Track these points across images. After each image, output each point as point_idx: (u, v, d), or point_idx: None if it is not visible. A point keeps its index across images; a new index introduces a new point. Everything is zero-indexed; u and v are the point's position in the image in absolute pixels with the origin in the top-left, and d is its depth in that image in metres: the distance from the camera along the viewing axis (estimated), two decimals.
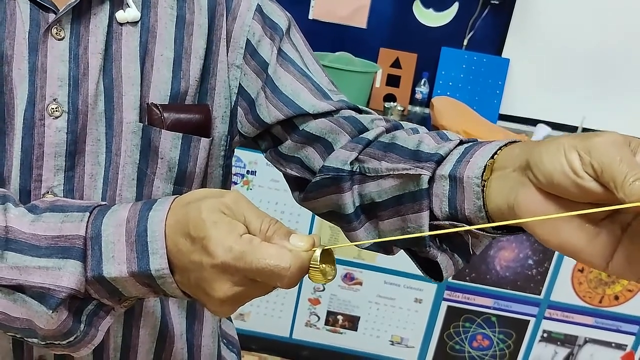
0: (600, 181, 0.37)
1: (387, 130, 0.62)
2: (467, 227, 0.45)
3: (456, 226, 0.50)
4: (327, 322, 2.18)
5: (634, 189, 0.34)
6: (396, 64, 2.33)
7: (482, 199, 0.47)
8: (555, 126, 2.24)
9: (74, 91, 0.54)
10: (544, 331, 2.13)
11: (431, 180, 0.52)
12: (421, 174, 0.52)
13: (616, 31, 2.25)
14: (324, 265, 0.44)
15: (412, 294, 2.12)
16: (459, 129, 2.02)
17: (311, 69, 0.66)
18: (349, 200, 0.59)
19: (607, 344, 2.12)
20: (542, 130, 2.18)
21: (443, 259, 0.54)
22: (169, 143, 0.58)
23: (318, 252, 0.44)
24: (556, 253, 2.02)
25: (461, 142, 0.54)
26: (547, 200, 0.41)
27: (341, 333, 2.19)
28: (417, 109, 2.35)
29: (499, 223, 0.45)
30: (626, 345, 2.12)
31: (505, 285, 2.09)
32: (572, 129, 2.24)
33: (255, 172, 1.98)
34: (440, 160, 0.52)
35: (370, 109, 0.68)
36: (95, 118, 0.55)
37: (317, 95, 0.64)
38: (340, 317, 2.17)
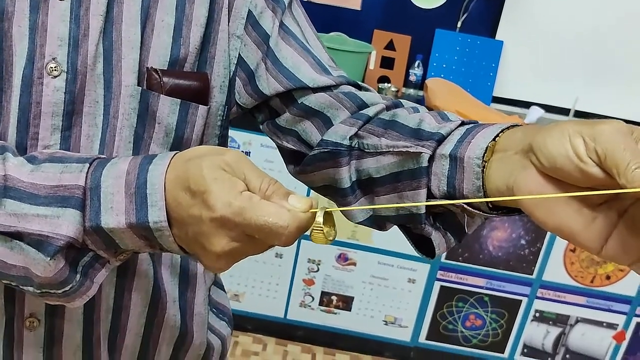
0: (603, 167, 0.38)
1: (388, 108, 0.62)
2: (467, 200, 0.46)
3: (454, 205, 0.51)
4: (321, 303, 2.20)
5: (636, 176, 0.36)
6: (390, 46, 2.33)
7: (481, 179, 0.48)
8: (548, 108, 2.25)
9: (73, 51, 0.54)
10: (536, 311, 2.16)
11: (431, 159, 0.52)
12: (422, 152, 0.52)
13: (609, 14, 2.26)
14: (326, 227, 0.45)
15: (406, 274, 2.13)
16: (452, 111, 2.02)
17: (312, 44, 0.66)
18: (346, 175, 0.59)
19: (599, 323, 2.15)
20: (535, 113, 2.19)
21: (436, 236, 0.55)
22: (167, 108, 0.58)
23: (321, 214, 0.45)
24: (548, 233, 2.04)
25: (462, 123, 0.55)
26: (547, 183, 0.42)
27: (335, 313, 2.21)
28: (411, 91, 2.35)
29: (500, 198, 0.46)
30: (617, 325, 2.15)
31: (498, 265, 2.11)
32: (564, 112, 2.25)
33: (250, 152, 1.99)
34: (441, 139, 0.53)
35: None
36: (93, 79, 0.55)
37: (317, 70, 0.64)
38: (334, 298, 2.19)
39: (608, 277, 2.09)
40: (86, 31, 0.55)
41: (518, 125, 0.49)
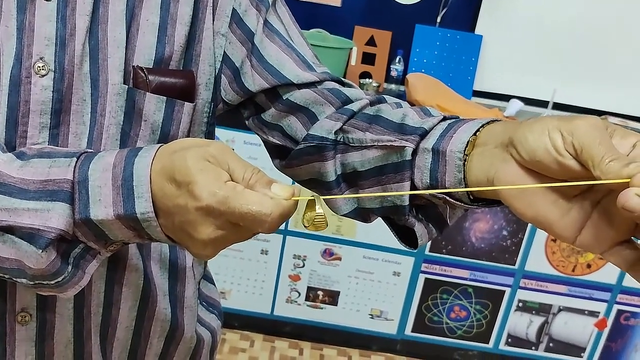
0: (579, 160, 0.41)
1: (371, 103, 0.64)
2: (448, 190, 0.48)
3: (436, 196, 0.53)
4: (307, 298, 2.21)
5: (610, 168, 0.39)
6: (371, 42, 2.35)
7: (462, 172, 0.50)
8: (527, 101, 2.28)
9: (60, 51, 0.55)
10: (519, 301, 2.19)
11: (414, 152, 0.54)
12: (405, 146, 0.54)
13: (587, 7, 2.30)
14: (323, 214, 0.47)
15: (391, 268, 2.16)
16: (433, 104, 2.05)
17: (296, 41, 0.68)
18: (331, 169, 0.61)
19: (581, 311, 2.19)
20: (514, 105, 2.22)
21: (419, 228, 0.57)
22: (153, 106, 0.59)
23: (318, 203, 0.47)
24: (530, 224, 2.07)
25: (444, 118, 0.57)
26: (526, 176, 0.45)
27: (322, 308, 2.23)
28: (393, 86, 2.37)
29: (481, 188, 0.48)
30: (599, 313, 2.19)
31: (481, 256, 2.14)
32: (543, 104, 2.28)
33: (233, 149, 1.99)
34: (424, 134, 0.55)
35: None
36: (80, 78, 0.56)
37: (301, 66, 0.65)
38: (320, 293, 2.21)
39: (589, 266, 2.13)
40: (73, 31, 0.55)
41: (498, 120, 0.51)
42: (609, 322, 2.20)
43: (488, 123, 0.51)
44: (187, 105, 0.61)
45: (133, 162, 0.47)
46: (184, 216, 0.45)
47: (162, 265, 0.67)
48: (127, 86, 0.58)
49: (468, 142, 0.50)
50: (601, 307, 2.18)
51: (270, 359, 2.18)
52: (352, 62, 2.28)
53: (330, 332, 2.27)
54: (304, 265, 2.16)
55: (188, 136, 0.64)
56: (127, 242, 0.51)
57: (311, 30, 2.23)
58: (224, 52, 0.65)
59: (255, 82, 0.65)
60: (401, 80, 2.35)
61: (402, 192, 0.54)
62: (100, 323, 0.64)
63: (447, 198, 0.52)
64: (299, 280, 2.19)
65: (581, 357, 2.26)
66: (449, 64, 2.35)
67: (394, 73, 2.36)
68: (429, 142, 0.54)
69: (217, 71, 0.65)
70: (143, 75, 0.58)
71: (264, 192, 0.45)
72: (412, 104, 2.23)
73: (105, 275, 0.62)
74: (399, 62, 2.35)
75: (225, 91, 0.66)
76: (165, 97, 0.60)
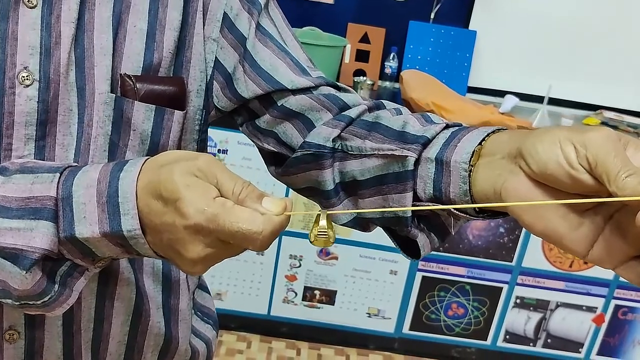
0: (593, 174, 0.39)
1: (370, 109, 0.62)
2: (455, 206, 0.46)
3: (441, 209, 0.52)
4: (304, 298, 2.20)
5: (627, 184, 0.37)
6: (365, 39, 2.33)
7: (468, 183, 0.49)
8: (523, 97, 2.27)
9: (45, 60, 0.53)
10: (517, 297, 2.18)
11: (416, 162, 0.53)
12: (407, 156, 0.53)
13: (581, 2, 2.28)
14: (329, 230, 0.46)
15: (387, 266, 2.15)
16: (428, 101, 2.04)
17: (289, 45, 0.66)
18: (329, 177, 0.59)
19: (578, 307, 2.19)
20: (510, 101, 2.21)
21: (422, 238, 0.56)
22: (142, 115, 0.58)
23: (323, 219, 0.45)
24: None
25: (447, 126, 0.55)
26: (536, 188, 0.43)
27: (319, 308, 2.22)
28: (387, 83, 2.36)
29: (492, 205, 0.46)
30: (596, 308, 2.19)
31: (478, 253, 2.13)
32: (539, 99, 2.27)
33: (227, 150, 1.97)
34: (426, 142, 0.53)
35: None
36: (67, 88, 0.54)
37: (295, 71, 0.64)
38: (317, 292, 2.19)
39: (586, 262, 2.12)
40: (57, 39, 0.54)
41: (503, 129, 0.50)
42: (607, 318, 2.20)
43: (493, 132, 0.50)
44: (178, 114, 0.60)
45: (118, 178, 0.46)
46: (171, 234, 0.44)
47: (155, 278, 0.66)
48: (114, 95, 0.56)
49: (473, 152, 0.49)
50: (599, 303, 2.18)
51: None
52: (346, 59, 2.26)
53: (327, 331, 2.26)
54: (300, 265, 2.15)
55: (179, 145, 0.62)
56: (115, 258, 0.50)
57: (304, 29, 2.21)
58: (216, 57, 0.63)
59: (248, 88, 0.63)
60: (395, 77, 2.34)
61: (406, 208, 0.52)
62: (91, 339, 0.62)
63: (452, 210, 0.50)
64: (296, 280, 2.17)
65: (579, 352, 2.25)
66: (444, 60, 2.33)
67: (388, 70, 2.34)
68: (431, 152, 0.52)
69: (208, 77, 0.63)
70: (131, 83, 0.57)
71: (254, 207, 0.44)
72: (406, 102, 2.20)
73: (96, 290, 0.61)
74: (393, 59, 2.33)
75: (217, 98, 0.64)
76: (154, 106, 0.58)
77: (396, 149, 0.54)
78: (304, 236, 2.09)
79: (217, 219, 0.42)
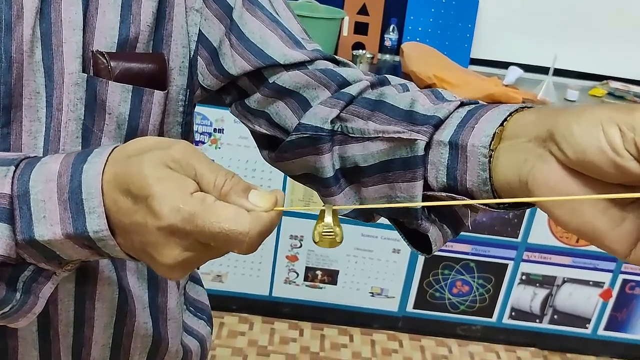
0: None
1: (372, 86, 0.56)
2: (478, 201, 0.40)
3: (456, 199, 0.45)
4: (306, 278, 2.16)
5: None
6: (363, 10, 2.25)
7: (488, 170, 0.43)
8: (527, 68, 2.20)
9: (6, 36, 0.47)
10: (523, 274, 2.14)
11: (427, 146, 0.47)
12: (417, 139, 0.47)
13: None
14: (336, 228, 0.39)
15: (390, 245, 2.10)
16: (429, 74, 1.97)
17: (281, 14, 0.59)
18: (328, 163, 0.53)
19: (585, 282, 2.15)
20: (514, 73, 2.14)
21: (433, 232, 0.50)
22: (118, 96, 0.52)
23: (328, 214, 0.39)
24: None
25: (462, 104, 0.49)
26: (570, 177, 0.37)
27: (321, 288, 2.18)
28: (387, 56, 2.28)
29: (519, 199, 0.40)
30: (603, 283, 2.14)
31: (483, 230, 2.08)
32: (544, 70, 2.20)
33: (223, 129, 1.91)
34: (438, 123, 0.47)
35: None
36: (32, 68, 0.48)
37: (288, 44, 0.57)
38: (319, 273, 2.15)
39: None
40: (20, 12, 0.48)
41: (528, 107, 0.44)
42: (614, 292, 2.16)
43: (516, 110, 0.43)
44: (158, 94, 0.54)
45: (81, 170, 0.39)
46: (143, 236, 0.38)
47: (140, 275, 0.60)
48: (86, 75, 0.50)
49: (494, 134, 0.43)
50: (606, 278, 2.14)
51: (270, 341, 2.13)
52: (344, 32, 2.19)
53: (330, 311, 2.22)
54: (301, 246, 2.10)
55: (161, 129, 0.56)
56: (86, 260, 0.44)
57: (300, 0, 2.13)
58: (199, 30, 0.57)
59: (236, 64, 0.56)
60: (396, 50, 2.27)
61: (422, 203, 0.45)
62: (71, 344, 0.57)
63: (469, 201, 0.45)
64: (297, 260, 2.13)
65: (586, 328, 2.22)
66: (445, 32, 2.26)
67: (388, 43, 2.27)
68: (444, 134, 0.46)
69: (192, 53, 0.57)
70: (104, 61, 0.51)
71: (240, 203, 0.37)
72: (407, 75, 2.12)
73: (74, 291, 0.55)
74: (393, 31, 2.26)
75: (202, 75, 0.58)
76: (131, 86, 0.52)
77: (404, 132, 0.48)
78: (304, 216, 2.04)
79: (195, 219, 0.36)
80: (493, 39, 2.30)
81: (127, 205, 0.38)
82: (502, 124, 0.43)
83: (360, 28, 2.25)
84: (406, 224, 0.52)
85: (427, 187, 0.48)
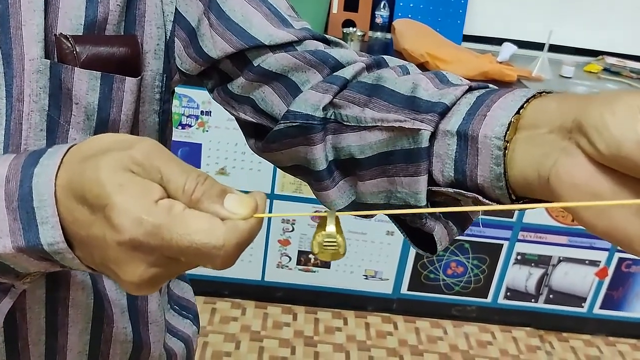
0: None
1: (368, 68, 0.51)
2: (501, 207, 0.35)
3: (465, 195, 0.41)
4: (299, 262, 2.13)
5: None
6: None
7: (503, 165, 0.38)
8: (521, 44, 2.15)
9: None
10: (518, 253, 2.11)
11: (432, 136, 0.42)
12: (421, 129, 0.42)
13: None
14: (339, 237, 0.34)
15: (384, 227, 2.06)
16: (422, 52, 1.92)
17: None
18: (321, 155, 0.49)
19: (581, 261, 2.12)
20: (508, 49, 2.09)
21: (438, 230, 0.46)
22: (85, 84, 0.47)
23: (331, 222, 0.34)
24: None
25: (470, 89, 0.44)
26: (600, 174, 0.33)
27: (314, 272, 2.14)
28: (378, 34, 2.23)
29: (545, 205, 0.35)
30: (599, 262, 2.12)
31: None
32: (539, 46, 2.15)
33: (210, 112, 1.86)
34: (444, 111, 0.42)
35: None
36: None
37: (273, 22, 0.52)
38: (312, 256, 2.12)
39: None
40: None
41: (547, 92, 0.39)
42: (610, 271, 2.14)
43: (534, 96, 0.39)
44: (129, 81, 0.48)
45: (32, 174, 0.35)
46: (103, 251, 0.33)
47: None
48: (49, 61, 0.45)
49: (510, 123, 0.38)
50: (602, 256, 2.11)
51: (263, 326, 2.10)
52: (334, 9, 2.13)
53: (324, 295, 2.19)
54: (293, 230, 2.07)
55: (135, 119, 0.51)
56: (46, 272, 0.39)
57: None
58: (176, 9, 0.52)
59: (216, 46, 0.51)
60: (387, 27, 2.21)
61: (431, 210, 0.39)
62: (44, 353, 0.53)
63: (479, 197, 0.40)
64: (289, 244, 2.09)
65: (582, 307, 2.20)
66: (437, 8, 2.20)
67: (379, 20, 2.21)
68: (452, 123, 0.41)
69: (168, 34, 0.52)
70: (69, 45, 0.46)
71: (214, 210, 0.33)
72: (399, 53, 2.05)
73: (45, 297, 0.51)
74: (384, 7, 2.20)
75: (180, 59, 0.53)
76: (99, 73, 0.47)
77: (405, 120, 0.43)
78: (296, 199, 2.00)
79: (160, 232, 0.31)
80: (486, 15, 2.25)
81: (83, 216, 0.33)
82: (518, 112, 0.38)
83: (351, 5, 2.19)
84: (408, 222, 0.47)
85: (431, 181, 0.43)
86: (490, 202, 0.40)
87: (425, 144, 0.42)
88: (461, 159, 0.41)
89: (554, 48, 2.17)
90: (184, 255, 0.32)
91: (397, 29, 2.03)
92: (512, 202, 0.40)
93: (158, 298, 0.60)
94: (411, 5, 2.20)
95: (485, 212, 2.04)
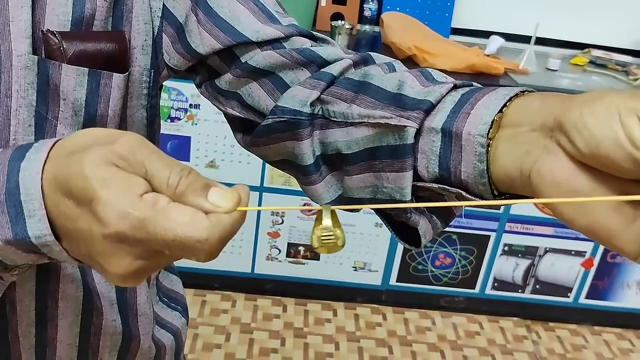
0: None
1: (355, 65, 0.52)
2: (478, 202, 0.37)
3: (449, 191, 0.42)
4: (288, 254, 2.14)
5: None
6: None
7: (485, 162, 0.39)
8: (508, 37, 2.16)
9: None
10: (505, 245, 2.14)
11: (417, 133, 0.43)
12: (406, 126, 0.43)
13: None
14: (337, 230, 0.35)
15: (372, 219, 2.08)
16: (410, 45, 1.93)
17: None
18: (308, 150, 0.50)
19: (567, 252, 2.15)
20: (495, 42, 2.10)
21: (423, 224, 0.47)
22: (73, 80, 0.47)
23: (327, 216, 0.35)
24: None
25: (455, 87, 0.45)
26: (580, 172, 0.34)
27: (304, 264, 2.16)
28: (367, 27, 2.23)
29: (526, 200, 0.36)
30: (585, 252, 2.15)
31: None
32: (525, 39, 2.17)
33: (199, 105, 1.86)
34: (429, 108, 0.43)
35: (317, 31, 0.57)
36: None
37: (261, 18, 0.53)
38: (301, 248, 2.13)
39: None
40: None
41: (529, 91, 0.40)
42: (595, 261, 2.17)
43: (516, 95, 0.40)
44: (117, 77, 0.49)
45: (18, 169, 0.35)
46: (89, 244, 0.34)
47: None
48: (36, 57, 0.46)
49: (493, 121, 0.39)
50: (587, 247, 2.14)
51: (253, 318, 2.12)
52: (322, 2, 2.13)
53: (313, 287, 2.21)
54: (282, 222, 2.08)
55: (123, 115, 0.52)
56: (34, 264, 0.40)
57: None
58: (163, 5, 0.52)
59: (204, 42, 0.52)
60: (375, 20, 2.22)
61: (416, 204, 0.41)
62: (34, 345, 0.54)
63: (463, 193, 0.41)
64: (279, 237, 2.10)
65: (567, 297, 2.23)
66: (426, 1, 2.21)
67: (367, 13, 2.21)
68: (436, 120, 0.42)
69: (156, 30, 0.52)
70: (56, 41, 0.46)
71: (197, 203, 0.33)
72: (387, 46, 2.06)
73: (35, 290, 0.51)
74: (373, 1, 2.20)
75: (168, 54, 0.54)
76: (86, 69, 0.47)
77: (391, 117, 0.44)
78: (285, 192, 2.00)
79: (145, 225, 0.32)
80: (474, 9, 2.26)
81: (69, 210, 0.34)
82: (501, 110, 0.39)
83: None
84: (394, 217, 0.48)
85: (416, 177, 0.45)
86: (473, 198, 0.41)
87: (410, 140, 0.43)
88: (445, 155, 0.42)
89: (541, 41, 2.18)
90: (168, 249, 0.33)
91: (385, 22, 2.04)
92: (495, 197, 0.41)
93: (147, 290, 0.61)
94: None
95: (471, 205, 2.05)
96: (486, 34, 2.21)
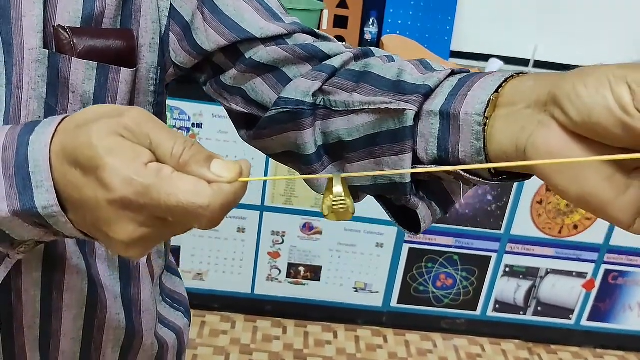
0: None
1: (356, 57, 0.54)
2: (468, 167, 0.38)
3: (447, 171, 0.43)
4: (289, 275, 2.13)
5: None
6: (343, 3, 2.23)
7: (482, 140, 0.41)
8: (507, 60, 2.19)
9: None
10: (506, 266, 2.14)
11: (416, 116, 0.45)
12: (405, 109, 0.44)
13: None
14: (347, 198, 0.36)
15: (373, 239, 2.08)
16: None
17: None
18: (310, 139, 0.51)
19: (568, 273, 2.15)
20: (494, 65, 2.14)
21: (422, 209, 0.48)
22: (82, 74, 0.49)
23: (338, 183, 0.36)
24: (515, 186, 2.00)
25: (452, 73, 0.47)
26: (573, 143, 0.35)
27: (304, 284, 2.15)
28: None
29: (512, 164, 0.38)
30: (586, 273, 2.15)
31: (466, 222, 2.07)
32: (524, 62, 2.20)
33: (202, 124, 1.88)
34: (428, 93, 0.45)
35: None
36: None
37: (265, 16, 0.55)
38: (302, 269, 2.13)
39: (575, 227, 2.07)
40: None
41: (524, 73, 0.41)
42: (597, 283, 2.16)
43: (512, 77, 0.41)
44: (125, 72, 0.51)
45: (27, 142, 0.37)
46: (94, 212, 0.35)
47: (111, 263, 0.57)
48: (48, 51, 0.47)
49: (489, 101, 0.40)
50: (589, 268, 2.14)
51: (252, 340, 2.10)
52: (324, 25, 2.17)
53: (314, 308, 2.19)
54: (283, 242, 2.08)
55: None
56: (40, 242, 0.41)
57: None
58: (171, 4, 0.54)
59: (209, 39, 0.54)
60: (376, 43, 2.25)
61: (409, 170, 0.42)
62: (38, 337, 0.54)
63: (461, 173, 0.42)
64: (279, 257, 2.10)
65: (569, 319, 2.22)
66: (425, 25, 2.24)
67: (368, 36, 2.25)
68: (435, 103, 0.43)
69: (163, 29, 0.54)
70: (67, 36, 0.48)
71: (200, 173, 0.34)
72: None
73: (40, 280, 0.52)
74: (373, 24, 2.24)
75: (175, 52, 0.55)
76: (95, 63, 0.49)
77: (391, 102, 0.45)
78: (286, 211, 2.01)
79: (149, 192, 0.33)
80: (473, 32, 2.29)
81: (76, 179, 0.35)
82: (497, 91, 0.41)
83: (340, 21, 2.23)
84: (394, 201, 0.49)
85: (416, 160, 0.46)
86: (471, 177, 0.42)
87: (410, 123, 0.44)
88: (444, 137, 0.43)
89: (540, 64, 2.21)
90: (171, 215, 0.34)
91: (385, 45, 2.07)
92: (492, 177, 0.42)
93: (150, 287, 0.61)
94: (399, 22, 2.24)
95: (475, 225, 2.06)
96: (485, 57, 2.24)
